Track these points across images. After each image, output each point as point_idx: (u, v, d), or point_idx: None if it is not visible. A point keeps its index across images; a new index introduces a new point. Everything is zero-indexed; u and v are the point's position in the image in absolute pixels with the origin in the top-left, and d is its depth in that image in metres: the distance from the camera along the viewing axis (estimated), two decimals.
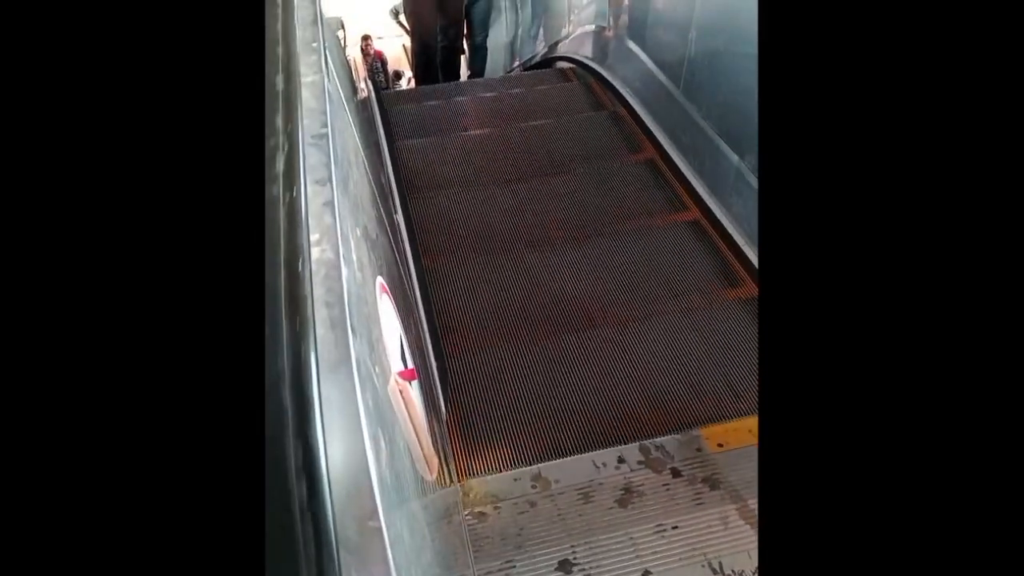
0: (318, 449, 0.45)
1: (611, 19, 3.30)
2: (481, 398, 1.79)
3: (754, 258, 2.11)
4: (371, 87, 3.38)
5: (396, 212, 2.16)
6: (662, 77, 2.66)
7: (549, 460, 1.61)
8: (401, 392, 0.81)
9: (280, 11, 0.82)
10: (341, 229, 0.65)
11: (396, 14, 5.24)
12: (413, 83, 5.44)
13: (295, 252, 0.56)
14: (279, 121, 0.67)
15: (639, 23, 2.92)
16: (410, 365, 1.03)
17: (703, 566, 1.37)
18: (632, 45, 2.95)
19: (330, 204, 0.66)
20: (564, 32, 4.18)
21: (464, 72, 4.96)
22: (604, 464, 1.59)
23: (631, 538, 1.43)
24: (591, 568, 1.38)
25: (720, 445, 1.63)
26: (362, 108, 2.16)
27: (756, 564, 1.37)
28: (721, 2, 2.21)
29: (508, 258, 2.24)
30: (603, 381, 1.81)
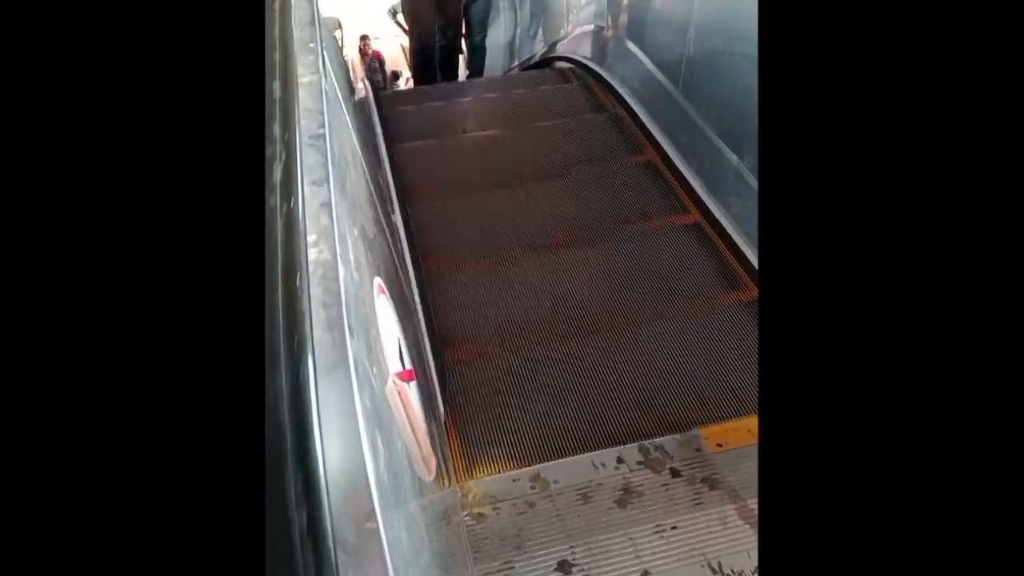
0: (318, 474, 0.45)
1: (609, 19, 3.30)
2: (479, 399, 1.79)
3: (755, 260, 2.10)
4: (369, 87, 3.38)
5: (393, 212, 2.16)
6: (661, 77, 2.66)
7: (547, 461, 1.61)
8: (399, 393, 0.80)
9: (277, 15, 0.82)
10: (338, 229, 0.65)
11: (394, 14, 5.24)
12: (411, 83, 5.44)
13: (292, 266, 0.55)
14: (276, 129, 0.67)
15: (638, 23, 2.92)
16: (408, 366, 1.03)
17: (702, 566, 1.37)
18: (631, 45, 2.95)
19: (327, 205, 0.66)
20: (563, 32, 4.18)
21: (462, 72, 4.96)
22: (603, 464, 1.59)
23: (630, 538, 1.43)
24: (590, 569, 1.38)
25: (719, 445, 1.63)
26: (360, 108, 2.16)
27: (755, 564, 1.37)
28: (720, 2, 2.21)
29: (507, 261, 2.24)
30: (602, 383, 1.81)
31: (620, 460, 1.60)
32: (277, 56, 0.76)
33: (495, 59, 5.26)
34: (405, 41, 5.07)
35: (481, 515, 1.50)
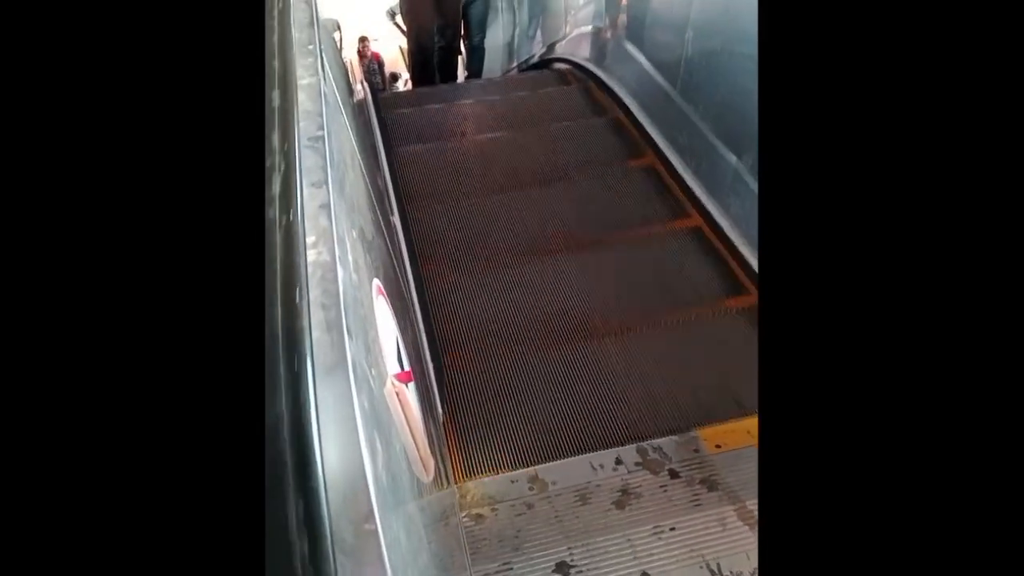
0: (316, 475, 0.45)
1: (608, 20, 3.30)
2: (478, 401, 1.79)
3: (755, 264, 2.10)
4: (368, 89, 3.37)
5: (392, 214, 2.16)
6: (659, 79, 2.66)
7: (546, 462, 1.61)
8: (398, 394, 0.80)
9: (276, 23, 0.81)
10: (337, 231, 0.65)
11: (392, 15, 5.23)
12: (410, 85, 5.44)
13: (292, 282, 0.54)
14: (275, 139, 0.66)
15: (636, 23, 2.92)
16: (407, 367, 1.03)
17: (701, 567, 1.37)
18: (630, 46, 2.95)
19: (326, 206, 0.66)
20: (561, 33, 4.18)
21: (461, 73, 4.96)
22: (601, 466, 1.59)
23: (629, 540, 1.43)
24: (588, 570, 1.38)
25: (718, 446, 1.63)
26: (359, 110, 2.16)
27: (754, 565, 1.37)
28: (718, 1, 2.22)
29: (506, 264, 2.23)
30: (601, 385, 1.81)
31: (619, 461, 1.60)
32: (276, 64, 0.75)
33: (494, 60, 5.26)
34: (404, 43, 5.07)
35: (479, 516, 1.50)
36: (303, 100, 0.76)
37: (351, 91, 1.88)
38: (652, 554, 1.40)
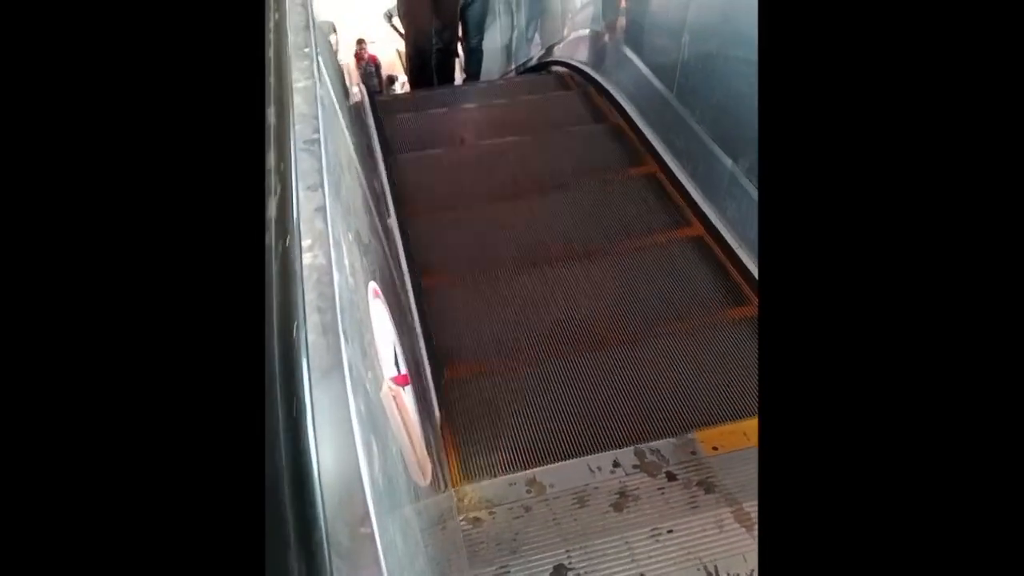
0: (313, 479, 0.45)
1: (605, 23, 3.31)
2: (475, 403, 1.79)
3: (755, 269, 2.08)
4: (364, 92, 3.37)
5: (389, 217, 2.16)
6: (657, 83, 2.66)
7: (543, 465, 1.61)
8: (394, 397, 0.80)
9: (272, 35, 0.81)
10: (333, 234, 0.65)
11: (390, 17, 5.24)
12: (407, 87, 5.44)
13: (289, 312, 0.53)
14: (271, 159, 0.65)
15: (634, 27, 2.93)
16: (403, 370, 1.03)
17: (699, 570, 1.37)
18: (627, 50, 2.95)
19: (322, 209, 0.66)
20: (560, 36, 4.19)
21: (459, 75, 4.97)
22: (599, 468, 1.59)
23: (626, 542, 1.43)
24: (586, 572, 1.38)
25: (715, 448, 1.63)
26: (355, 113, 2.16)
27: (751, 567, 1.37)
28: (715, 4, 2.22)
29: (505, 273, 2.22)
30: (599, 388, 1.81)
31: (616, 464, 1.60)
32: (272, 80, 0.74)
33: (492, 62, 5.27)
34: (401, 46, 5.07)
35: (477, 519, 1.50)
36: (299, 103, 0.76)
37: (347, 94, 1.88)
38: (650, 556, 1.40)
